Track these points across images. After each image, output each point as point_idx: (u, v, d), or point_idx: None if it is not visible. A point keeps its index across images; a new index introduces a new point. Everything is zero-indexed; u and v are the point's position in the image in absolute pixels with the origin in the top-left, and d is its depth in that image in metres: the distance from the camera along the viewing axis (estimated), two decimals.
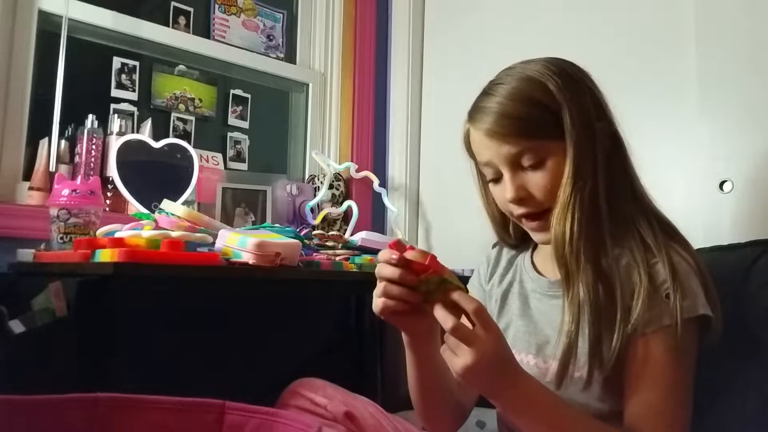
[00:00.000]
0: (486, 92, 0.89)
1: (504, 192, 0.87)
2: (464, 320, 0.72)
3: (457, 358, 0.70)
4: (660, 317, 0.79)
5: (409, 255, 0.73)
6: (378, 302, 0.77)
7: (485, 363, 0.70)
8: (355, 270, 1.40)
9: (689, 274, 0.82)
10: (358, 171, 2.00)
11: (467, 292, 0.74)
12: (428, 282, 0.72)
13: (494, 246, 1.06)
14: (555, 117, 0.84)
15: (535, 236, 0.91)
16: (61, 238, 1.19)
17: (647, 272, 0.81)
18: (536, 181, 0.85)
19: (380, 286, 0.76)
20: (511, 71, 0.89)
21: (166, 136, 1.72)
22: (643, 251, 0.83)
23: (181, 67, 1.83)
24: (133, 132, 1.63)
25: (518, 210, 0.88)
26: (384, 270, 0.75)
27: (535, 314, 0.93)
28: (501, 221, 0.99)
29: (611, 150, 0.87)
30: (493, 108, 0.85)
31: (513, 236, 1.00)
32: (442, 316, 0.70)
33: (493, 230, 1.02)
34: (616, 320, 0.80)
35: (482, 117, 0.87)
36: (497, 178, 0.89)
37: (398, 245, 0.74)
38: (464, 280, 1.08)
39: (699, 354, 0.83)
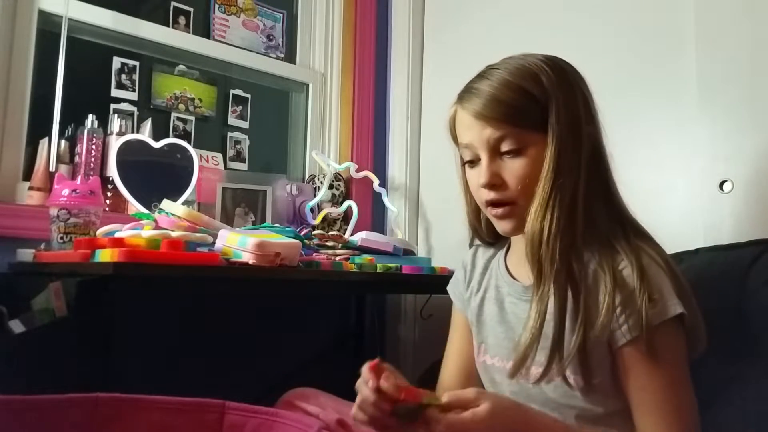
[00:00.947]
0: (481, 75, 0.91)
1: (478, 176, 0.88)
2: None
3: None
4: (637, 325, 0.79)
5: (383, 385, 0.72)
6: (354, 412, 0.77)
7: None
8: (355, 270, 1.40)
9: (659, 275, 0.82)
10: (358, 171, 2.00)
11: (446, 407, 0.73)
12: (405, 407, 0.72)
13: (470, 246, 1.06)
14: (542, 109, 0.85)
15: (498, 224, 0.90)
16: (61, 238, 1.19)
17: (614, 278, 0.81)
18: (512, 168, 0.86)
19: (359, 399, 0.77)
20: (509, 60, 0.90)
21: (166, 136, 1.72)
22: (611, 257, 0.83)
23: (181, 67, 1.83)
24: (133, 132, 1.62)
25: (487, 195, 0.88)
26: (362, 390, 0.76)
27: (512, 319, 0.93)
28: (477, 213, 0.99)
29: (593, 155, 0.87)
30: (485, 90, 0.87)
31: (486, 231, 0.99)
32: None
33: (467, 223, 1.01)
34: (577, 322, 0.81)
35: (472, 98, 0.88)
36: (474, 161, 0.90)
37: (377, 369, 0.74)
38: None
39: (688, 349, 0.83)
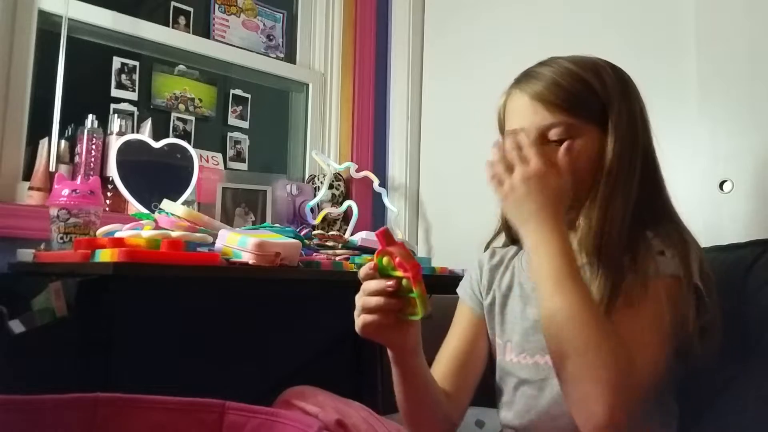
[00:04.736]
0: (542, 62, 0.92)
1: None
2: None
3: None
4: (652, 267, 0.81)
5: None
6: (360, 320, 0.79)
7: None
8: (355, 270, 1.40)
9: (693, 254, 0.83)
10: (358, 171, 2.00)
11: None
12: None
13: (485, 249, 1.06)
14: (601, 105, 0.87)
15: None
16: (61, 238, 1.19)
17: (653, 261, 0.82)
18: (559, 154, 0.86)
19: (360, 303, 0.78)
20: (570, 55, 0.92)
21: (166, 136, 1.72)
22: (652, 250, 0.83)
23: (181, 67, 1.83)
24: (133, 132, 1.63)
25: None
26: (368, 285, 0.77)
27: (539, 317, 0.91)
28: None
29: (647, 164, 0.89)
30: (547, 75, 0.88)
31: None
32: None
33: (500, 219, 1.01)
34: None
35: (532, 80, 0.89)
36: None
37: (386, 235, 0.75)
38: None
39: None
